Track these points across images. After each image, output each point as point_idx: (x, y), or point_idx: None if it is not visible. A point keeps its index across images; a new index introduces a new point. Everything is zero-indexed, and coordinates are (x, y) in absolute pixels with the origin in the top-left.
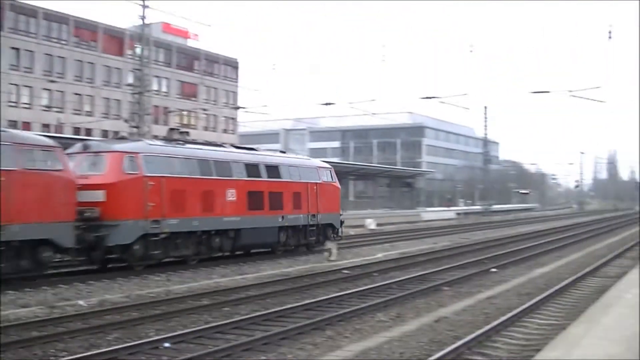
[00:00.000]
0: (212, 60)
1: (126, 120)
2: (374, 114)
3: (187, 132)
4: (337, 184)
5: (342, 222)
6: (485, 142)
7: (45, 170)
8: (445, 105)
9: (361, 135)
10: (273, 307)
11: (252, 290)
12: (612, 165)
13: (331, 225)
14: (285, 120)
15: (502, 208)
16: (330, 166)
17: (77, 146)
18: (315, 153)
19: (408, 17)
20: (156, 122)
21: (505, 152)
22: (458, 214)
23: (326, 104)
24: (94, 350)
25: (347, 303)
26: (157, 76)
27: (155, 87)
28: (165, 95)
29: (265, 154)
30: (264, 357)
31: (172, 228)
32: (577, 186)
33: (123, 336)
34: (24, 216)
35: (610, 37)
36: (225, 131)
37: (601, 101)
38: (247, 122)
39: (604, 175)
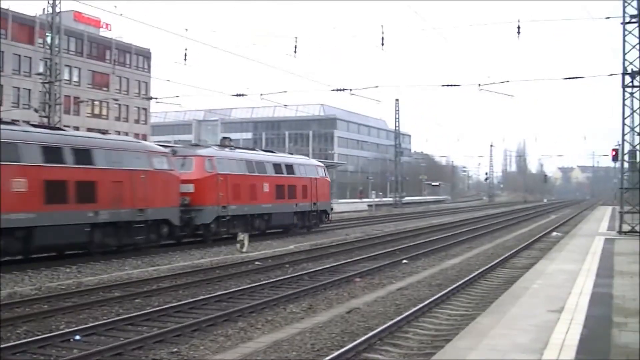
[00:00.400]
0: (124, 50)
1: (36, 110)
2: (286, 105)
3: (229, 138)
4: (329, 178)
5: (331, 209)
6: (397, 134)
7: (164, 170)
8: (357, 97)
9: (273, 126)
10: (185, 298)
11: (164, 282)
12: (521, 157)
13: (325, 211)
14: (197, 112)
15: (414, 200)
16: (322, 164)
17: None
18: None
19: (320, 9)
20: (67, 112)
21: (417, 145)
22: (370, 205)
23: (238, 95)
24: (3, 343)
25: (259, 294)
26: (68, 65)
27: (66, 76)
28: (76, 85)
29: (284, 156)
30: (175, 349)
31: (233, 212)
32: (487, 179)
33: (33, 329)
34: (154, 202)
35: (519, 34)
36: (137, 122)
37: (510, 95)
38: (159, 113)
39: (513, 167)
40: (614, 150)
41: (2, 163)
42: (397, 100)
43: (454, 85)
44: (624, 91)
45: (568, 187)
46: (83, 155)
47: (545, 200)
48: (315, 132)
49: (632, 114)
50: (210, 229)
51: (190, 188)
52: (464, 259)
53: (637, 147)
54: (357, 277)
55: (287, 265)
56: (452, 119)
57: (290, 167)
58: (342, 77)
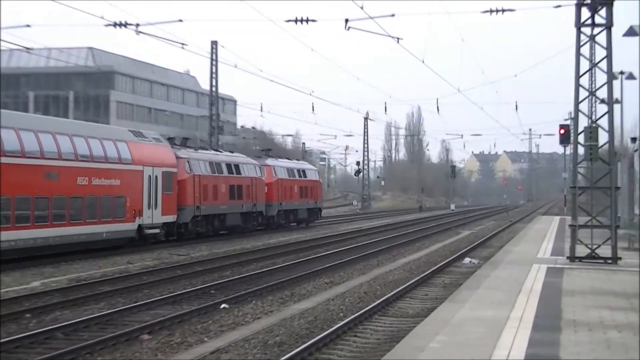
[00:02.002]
0: None
1: None
2: (29, 49)
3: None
4: (320, 180)
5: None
6: (213, 98)
7: (255, 177)
8: (150, 38)
9: (10, 83)
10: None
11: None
12: (413, 138)
13: (319, 209)
14: None
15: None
16: (316, 168)
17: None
18: None
19: None
20: None
21: (249, 117)
22: None
23: None
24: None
25: None
26: None
27: None
28: None
29: (303, 164)
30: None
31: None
32: (358, 172)
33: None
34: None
35: None
36: None
37: (396, 38)
38: None
39: (402, 153)
40: (562, 127)
41: (218, 175)
42: (214, 42)
43: (308, 21)
44: (579, 32)
45: (490, 186)
46: (303, 173)
47: (452, 207)
48: (79, 94)
49: (591, 69)
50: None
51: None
52: (320, 303)
53: (598, 121)
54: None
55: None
56: (305, 78)
57: (303, 172)
58: (121, 7)
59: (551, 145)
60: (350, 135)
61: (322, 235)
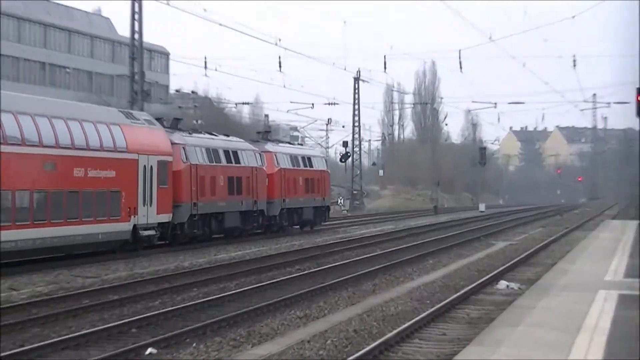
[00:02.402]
0: None
1: None
2: None
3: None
4: (328, 171)
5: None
6: (137, 50)
7: (256, 167)
8: None
9: None
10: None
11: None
12: (425, 107)
13: (327, 208)
14: None
15: None
16: (322, 154)
17: None
18: None
19: None
20: None
21: (187, 77)
22: None
23: None
24: None
25: None
26: None
27: None
28: None
29: (308, 150)
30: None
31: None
32: (345, 158)
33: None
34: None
35: None
36: None
37: None
38: None
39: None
40: None
41: (216, 164)
42: None
43: None
44: None
45: (537, 176)
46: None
47: (482, 208)
48: None
49: None
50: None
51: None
52: (290, 347)
53: None
54: None
55: None
56: (269, 21)
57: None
58: None
59: (625, 117)
60: (334, 104)
61: (296, 248)
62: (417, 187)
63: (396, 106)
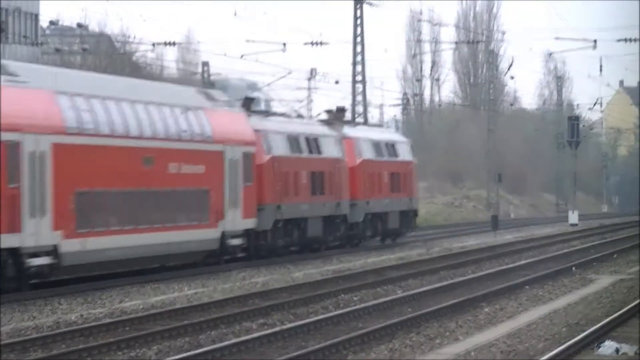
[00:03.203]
0: None
1: None
2: None
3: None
4: (414, 161)
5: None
6: None
7: (337, 158)
8: None
9: None
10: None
11: None
12: (475, 49)
13: (415, 213)
14: None
15: None
16: (405, 139)
17: None
18: None
19: None
20: None
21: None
22: None
23: None
24: None
25: None
26: None
27: None
28: None
29: (388, 132)
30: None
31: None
32: None
33: None
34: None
35: None
36: None
37: None
38: None
39: (449, 89)
40: None
41: (298, 156)
42: None
43: None
44: None
45: None
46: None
47: (573, 217)
48: None
49: None
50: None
51: None
52: None
53: None
54: None
55: None
56: None
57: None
58: None
59: None
60: (321, 44)
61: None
62: (463, 183)
63: (427, 47)
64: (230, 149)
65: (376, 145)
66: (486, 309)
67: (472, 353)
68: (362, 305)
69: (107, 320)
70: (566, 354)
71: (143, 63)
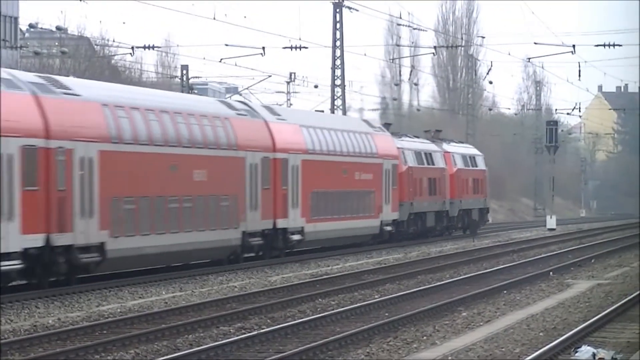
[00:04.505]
0: None
1: None
2: None
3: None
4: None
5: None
6: None
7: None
8: None
9: None
10: None
11: None
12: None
13: (487, 210)
14: None
15: None
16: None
17: None
18: None
19: None
20: None
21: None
22: None
23: None
24: None
25: None
26: None
27: None
28: None
29: (470, 148)
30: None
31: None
32: None
33: None
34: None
35: None
36: None
37: None
38: None
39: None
40: None
41: (422, 166)
42: None
43: None
44: None
45: None
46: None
47: (551, 224)
48: None
49: None
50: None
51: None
52: None
53: None
54: None
55: None
56: None
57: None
58: None
59: None
60: (301, 49)
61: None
62: None
63: (406, 52)
64: (387, 162)
65: (464, 158)
66: (464, 314)
67: (450, 358)
68: (340, 309)
69: (85, 324)
70: (543, 358)
71: (122, 67)
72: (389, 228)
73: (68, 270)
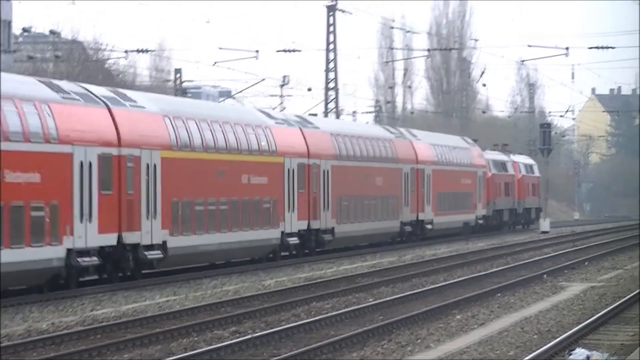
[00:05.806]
0: None
1: None
2: None
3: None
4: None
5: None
6: None
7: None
8: None
9: None
10: None
11: None
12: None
13: (539, 208)
14: None
15: None
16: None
17: None
18: None
19: None
20: None
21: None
22: None
23: None
24: None
25: None
26: None
27: None
28: None
29: (527, 159)
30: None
31: None
32: None
33: None
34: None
35: None
36: None
37: None
38: None
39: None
40: None
41: (501, 173)
42: None
43: None
44: None
45: None
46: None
47: (545, 227)
48: None
49: None
50: None
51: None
52: None
53: None
54: None
55: None
56: None
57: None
58: None
59: None
60: (294, 52)
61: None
62: None
63: (399, 54)
64: (479, 170)
65: (527, 166)
66: (458, 316)
67: None
68: (334, 312)
69: (79, 329)
70: None
71: (115, 70)
72: (481, 221)
73: (135, 267)
